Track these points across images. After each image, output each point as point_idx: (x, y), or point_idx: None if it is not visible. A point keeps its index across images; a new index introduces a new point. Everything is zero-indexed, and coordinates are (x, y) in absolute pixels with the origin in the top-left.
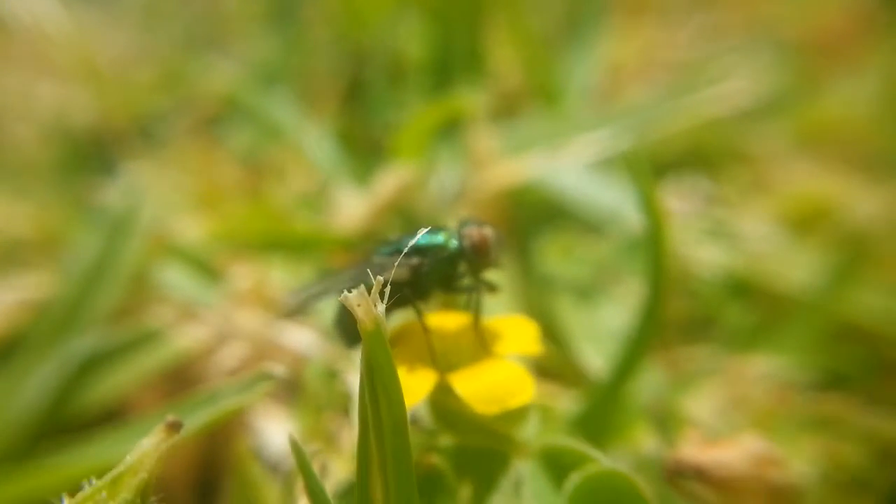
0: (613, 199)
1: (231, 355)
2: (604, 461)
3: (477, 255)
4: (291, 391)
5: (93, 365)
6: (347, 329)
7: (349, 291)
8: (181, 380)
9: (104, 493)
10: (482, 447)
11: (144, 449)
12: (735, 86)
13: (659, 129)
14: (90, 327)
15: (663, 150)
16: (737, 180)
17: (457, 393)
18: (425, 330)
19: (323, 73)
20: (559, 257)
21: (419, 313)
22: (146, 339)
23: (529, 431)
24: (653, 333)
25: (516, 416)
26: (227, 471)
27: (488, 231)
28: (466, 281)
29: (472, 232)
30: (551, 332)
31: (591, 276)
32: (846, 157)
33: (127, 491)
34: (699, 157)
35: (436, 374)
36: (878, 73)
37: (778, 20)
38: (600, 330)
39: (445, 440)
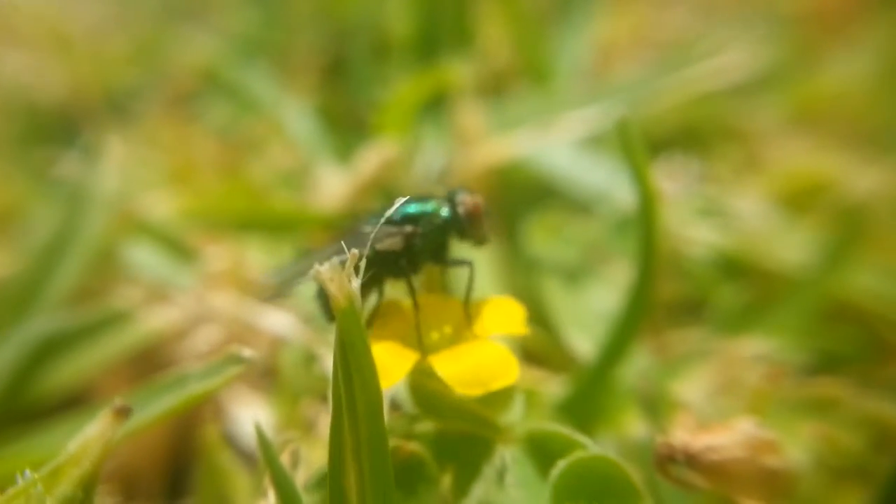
0: (603, 178)
1: (204, 339)
2: (591, 447)
3: (470, 223)
4: (268, 376)
5: (53, 348)
6: (327, 303)
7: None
8: (150, 364)
9: (39, 487)
10: (464, 432)
11: (88, 437)
12: (728, 60)
13: (650, 106)
14: (50, 307)
15: (654, 127)
16: (730, 158)
17: (438, 374)
18: (415, 305)
19: (304, 46)
20: (547, 237)
21: (411, 287)
22: (111, 320)
23: (514, 416)
24: (642, 315)
25: (500, 399)
26: (197, 459)
27: (480, 199)
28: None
29: (466, 199)
30: (538, 315)
31: (580, 257)
32: (841, 133)
33: (67, 484)
34: (691, 135)
35: (416, 355)
36: (874, 49)
37: None
38: (588, 312)
39: (426, 425)
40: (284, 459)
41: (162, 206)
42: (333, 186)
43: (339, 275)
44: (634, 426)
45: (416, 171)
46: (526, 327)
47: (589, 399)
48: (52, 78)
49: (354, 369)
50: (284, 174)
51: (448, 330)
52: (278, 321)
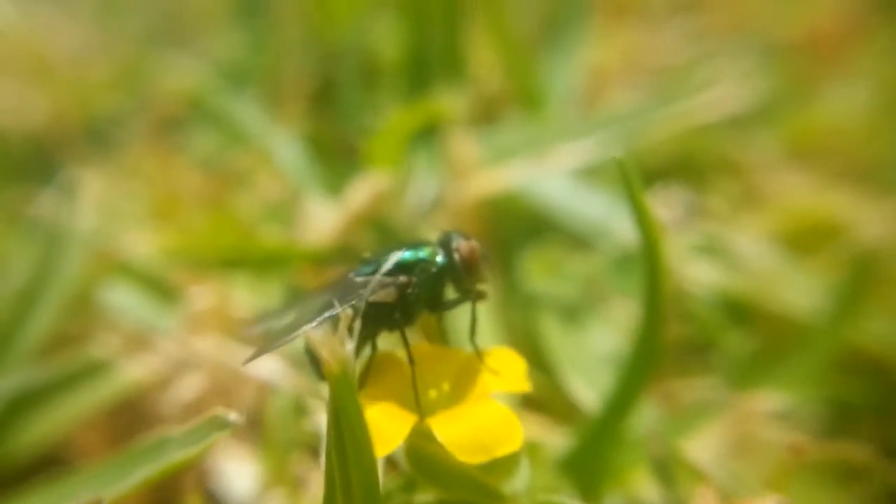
0: (600, 210)
1: (187, 387)
2: None
3: (467, 270)
4: (254, 426)
5: (25, 403)
6: (317, 360)
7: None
8: (129, 417)
9: None
10: (466, 502)
11: None
12: (724, 92)
13: (645, 137)
14: (23, 358)
15: (648, 157)
16: (726, 191)
17: (437, 439)
18: (411, 360)
19: (292, 73)
20: (544, 273)
21: (406, 341)
22: (89, 371)
23: (519, 484)
24: (651, 365)
25: (504, 465)
26: None
27: (476, 244)
28: (451, 299)
29: (462, 245)
30: (536, 357)
31: (579, 294)
32: (839, 167)
33: None
34: (685, 166)
35: (413, 417)
36: (870, 78)
37: (764, 23)
38: (589, 355)
39: (424, 495)
40: None
41: (143, 244)
42: (323, 220)
43: (331, 339)
44: (644, 487)
45: (408, 203)
46: (528, 383)
47: (595, 454)
48: (30, 105)
49: (348, 439)
50: (272, 207)
51: (446, 387)
52: (265, 367)
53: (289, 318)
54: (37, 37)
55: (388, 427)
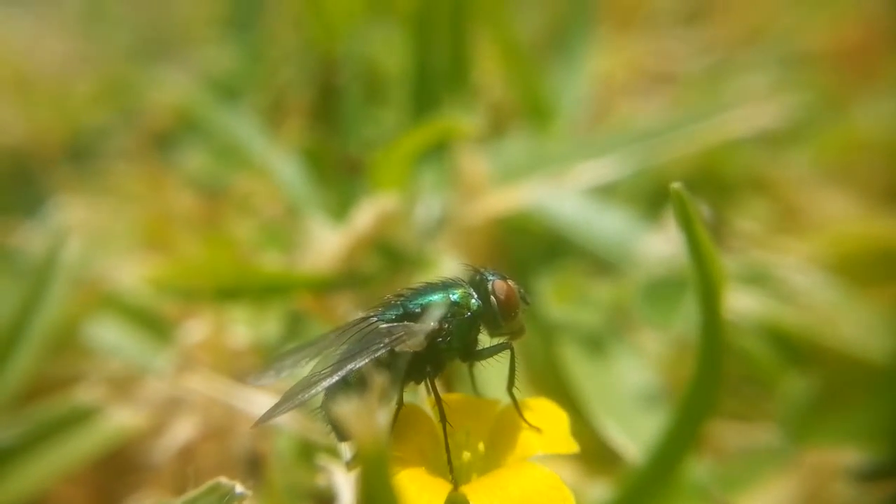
0: (621, 231)
1: (180, 432)
2: None
3: (505, 315)
4: (255, 471)
5: (3, 457)
6: (339, 423)
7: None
8: (117, 467)
9: None
10: None
11: None
12: (756, 106)
13: (667, 154)
14: (1, 406)
15: (670, 172)
16: (759, 213)
17: None
18: (443, 419)
19: (289, 85)
20: (563, 299)
21: (437, 396)
22: (73, 419)
23: None
24: (708, 411)
25: None
26: None
27: (513, 283)
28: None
29: (498, 286)
30: (559, 391)
31: (603, 323)
32: (881, 185)
33: None
34: (712, 185)
35: (446, 485)
36: None
37: (779, 32)
38: (620, 393)
39: None
40: None
41: (132, 273)
42: (326, 244)
43: (363, 410)
44: None
45: (415, 224)
46: (575, 443)
47: None
48: (9, 121)
49: None
50: (270, 230)
51: (481, 447)
52: (265, 405)
53: (303, 368)
54: (15, 48)
55: (419, 498)
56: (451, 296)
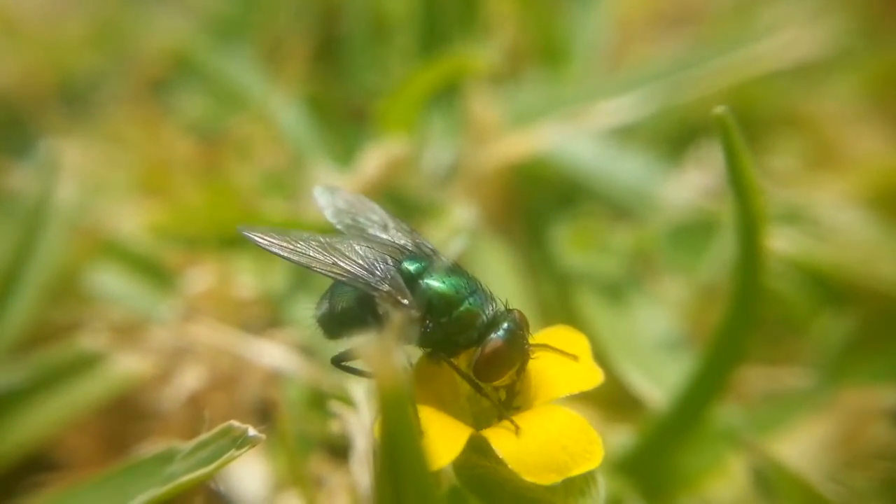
0: (640, 176)
1: (187, 381)
2: None
3: (479, 374)
4: (265, 420)
5: (6, 401)
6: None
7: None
8: (123, 415)
9: None
10: None
11: None
12: (792, 35)
13: (694, 91)
14: (3, 352)
15: (696, 111)
16: (795, 150)
17: (498, 456)
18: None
19: (290, 28)
20: (581, 246)
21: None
22: (78, 364)
23: None
24: (741, 353)
25: (580, 486)
26: None
27: (509, 345)
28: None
29: (492, 345)
30: None
31: (622, 270)
32: None
33: None
34: (744, 123)
35: (466, 430)
36: None
37: None
38: (642, 340)
39: None
40: None
41: (131, 220)
42: None
43: (381, 351)
44: (723, 492)
45: (423, 170)
46: (600, 373)
47: (664, 455)
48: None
49: (403, 465)
50: (273, 177)
51: (502, 393)
52: (274, 354)
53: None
54: None
55: (439, 440)
56: (461, 306)
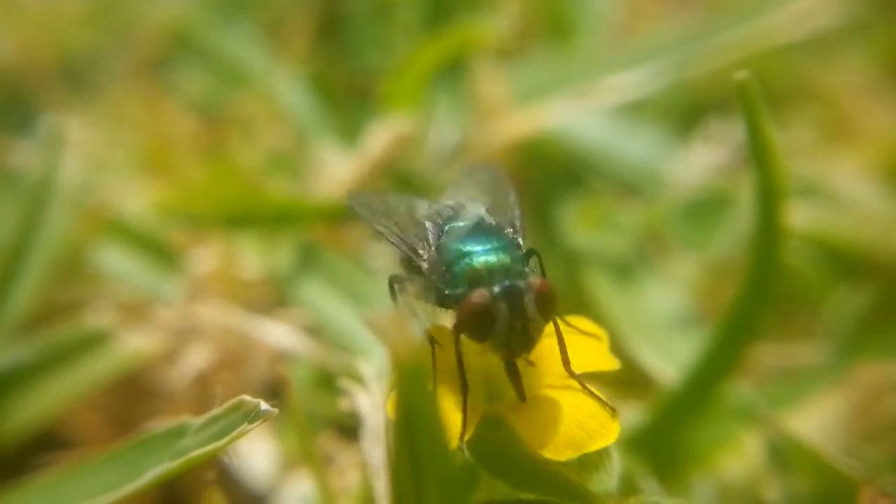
0: (649, 153)
1: (194, 360)
2: None
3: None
4: (272, 396)
5: (13, 379)
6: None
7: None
8: (130, 394)
9: None
10: (545, 502)
11: None
12: (804, 7)
13: (705, 64)
14: (8, 330)
15: (706, 84)
16: (810, 122)
17: (512, 431)
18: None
19: (292, 3)
20: (589, 225)
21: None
22: (83, 343)
23: (611, 482)
24: (756, 327)
25: (595, 461)
26: (194, 500)
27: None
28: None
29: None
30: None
31: (631, 248)
32: None
33: None
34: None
35: (480, 404)
36: None
37: None
38: (652, 318)
39: (495, 494)
40: None
41: (136, 199)
42: (337, 170)
43: (397, 320)
44: (737, 468)
45: (429, 148)
46: (615, 359)
47: (676, 432)
48: None
49: (422, 440)
50: (277, 156)
51: (517, 367)
52: (281, 334)
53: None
54: None
55: (453, 414)
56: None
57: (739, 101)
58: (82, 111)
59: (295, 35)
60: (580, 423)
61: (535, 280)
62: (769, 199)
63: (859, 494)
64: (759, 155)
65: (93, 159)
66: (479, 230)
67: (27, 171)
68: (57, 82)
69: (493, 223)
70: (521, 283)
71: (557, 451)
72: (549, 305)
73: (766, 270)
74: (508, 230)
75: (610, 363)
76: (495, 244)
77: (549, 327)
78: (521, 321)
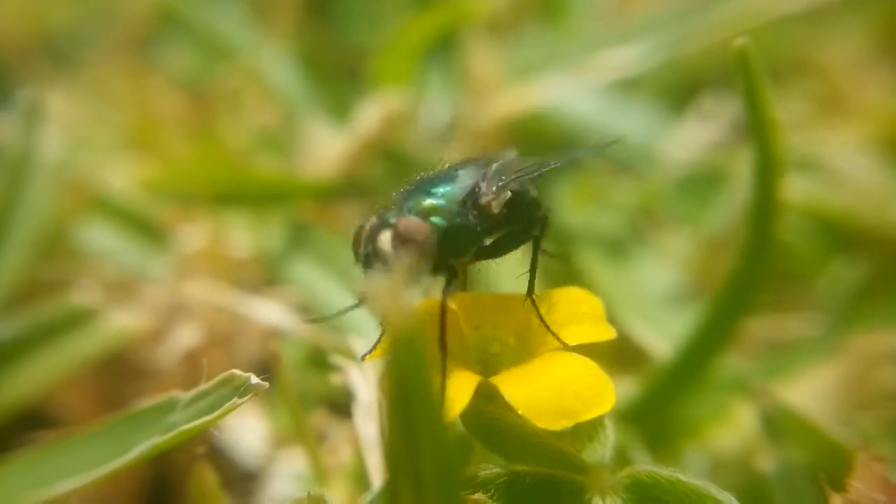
0: (642, 130)
1: (183, 338)
2: (727, 500)
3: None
4: (263, 373)
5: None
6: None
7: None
8: (117, 373)
9: None
10: (544, 476)
11: None
12: None
13: (700, 40)
14: None
15: (703, 60)
16: (806, 96)
17: (507, 401)
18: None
19: None
20: (583, 202)
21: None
22: (70, 321)
23: (605, 453)
24: (752, 299)
25: (586, 430)
26: (184, 477)
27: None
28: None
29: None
30: None
31: (625, 225)
32: None
33: None
34: None
35: (475, 376)
36: None
37: None
38: (645, 293)
39: (491, 467)
40: None
41: (121, 176)
42: (327, 148)
43: (391, 288)
44: (729, 440)
45: (421, 126)
46: (611, 329)
47: (669, 405)
48: None
49: (416, 411)
50: (266, 133)
51: (511, 340)
52: (270, 312)
53: None
54: None
55: (448, 388)
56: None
57: (739, 67)
58: (66, 87)
59: (283, 10)
60: (575, 392)
61: (401, 220)
62: (767, 169)
63: (853, 462)
64: (757, 124)
65: (77, 135)
66: (438, 175)
67: (6, 144)
68: (39, 58)
69: (455, 172)
70: (390, 219)
71: (552, 420)
72: (401, 243)
73: (762, 243)
74: (471, 181)
75: (606, 333)
76: (425, 188)
77: (545, 300)
78: (373, 251)
